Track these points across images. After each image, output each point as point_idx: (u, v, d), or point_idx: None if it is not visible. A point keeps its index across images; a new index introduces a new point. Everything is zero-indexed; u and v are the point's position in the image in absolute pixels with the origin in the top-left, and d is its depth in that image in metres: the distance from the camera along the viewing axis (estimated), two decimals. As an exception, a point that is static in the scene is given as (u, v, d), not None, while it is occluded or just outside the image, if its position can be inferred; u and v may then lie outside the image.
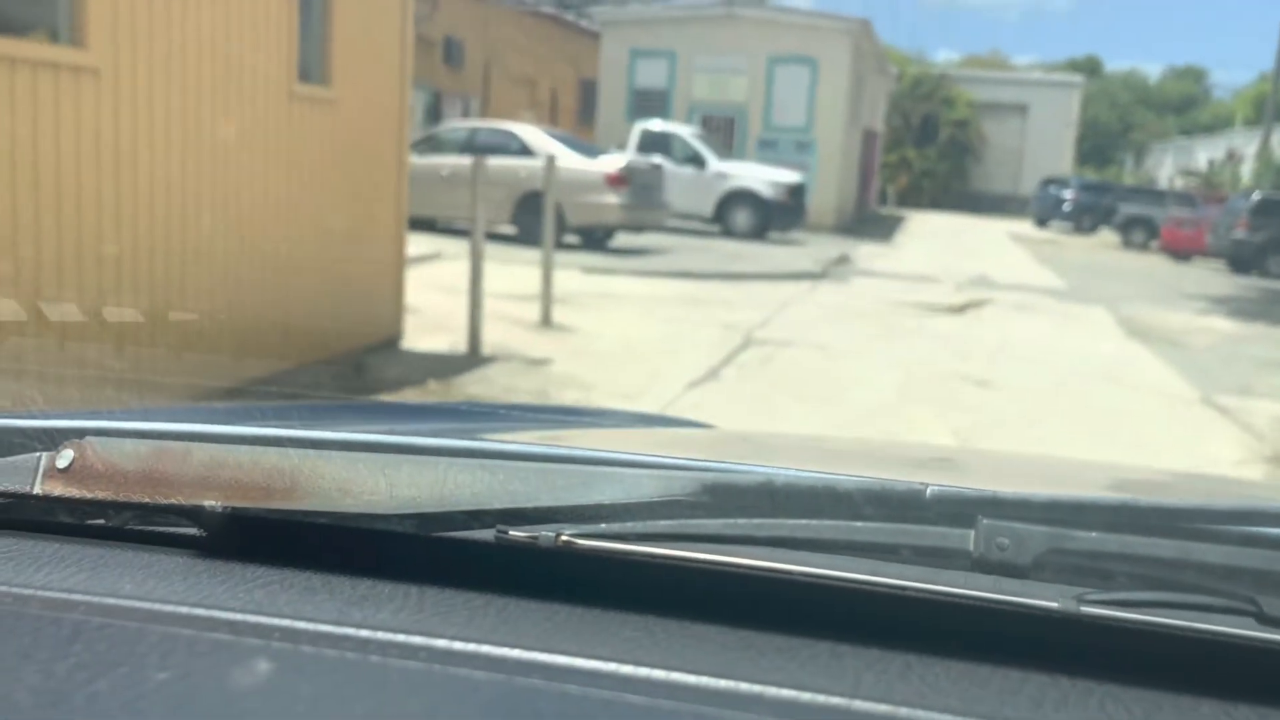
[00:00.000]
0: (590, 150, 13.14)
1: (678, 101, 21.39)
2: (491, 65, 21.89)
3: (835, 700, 0.51)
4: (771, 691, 0.52)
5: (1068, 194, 31.80)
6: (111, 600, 0.60)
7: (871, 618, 0.59)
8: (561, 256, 12.39)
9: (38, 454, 0.72)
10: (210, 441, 0.72)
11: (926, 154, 40.92)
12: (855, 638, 0.57)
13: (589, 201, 12.49)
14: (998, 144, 42.18)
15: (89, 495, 0.69)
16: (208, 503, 0.67)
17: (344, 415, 1.33)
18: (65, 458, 0.70)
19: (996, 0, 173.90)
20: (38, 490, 0.70)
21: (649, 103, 21.40)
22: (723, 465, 0.70)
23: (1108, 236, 29.77)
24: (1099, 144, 58.45)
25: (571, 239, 13.83)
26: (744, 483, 0.63)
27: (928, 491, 0.59)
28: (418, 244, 12.13)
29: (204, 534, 0.70)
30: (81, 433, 0.73)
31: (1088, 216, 31.64)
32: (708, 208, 17.75)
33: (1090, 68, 62.41)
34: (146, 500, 0.68)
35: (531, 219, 12.72)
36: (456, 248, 12.44)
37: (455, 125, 13.93)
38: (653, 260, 12.44)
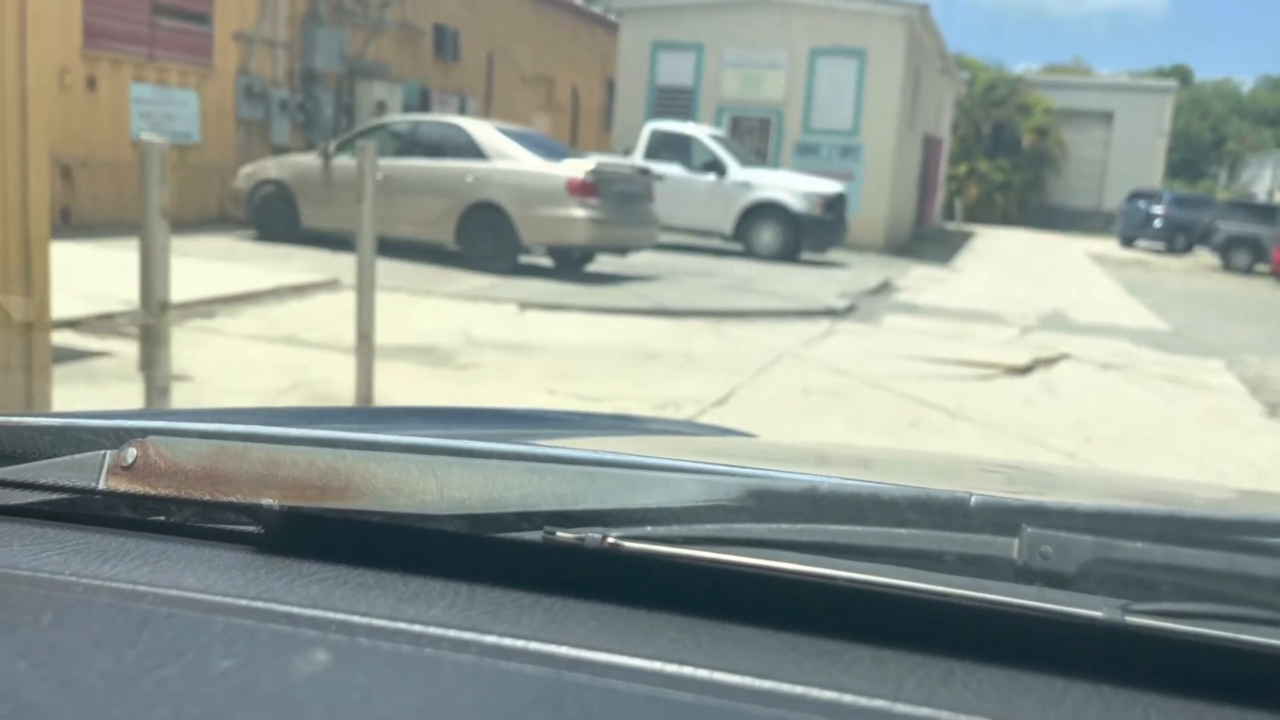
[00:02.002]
0: (556, 151, 10.49)
1: (705, 100, 18.67)
2: (496, 59, 19.38)
3: (878, 703, 0.52)
4: (815, 693, 0.52)
5: (1159, 209, 28.32)
6: (175, 592, 0.62)
7: (914, 624, 0.59)
8: (512, 285, 9.75)
9: (103, 452, 0.74)
10: (268, 442, 0.73)
11: (999, 165, 37.55)
12: (898, 643, 0.58)
13: (547, 215, 9.82)
14: (1079, 155, 38.63)
15: (152, 492, 0.71)
16: (265, 501, 0.68)
17: (397, 418, 1.33)
18: (129, 456, 0.72)
19: (1081, 11, 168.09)
20: (103, 486, 0.72)
21: (672, 102, 18.71)
22: (767, 471, 0.69)
23: (1204, 258, 26.30)
24: (1189, 156, 54.45)
25: (543, 261, 11.18)
26: (788, 489, 0.62)
27: (972, 500, 0.59)
28: (313, 265, 9.61)
29: (262, 531, 0.72)
30: (145, 432, 0.74)
31: (1181, 235, 28.13)
32: (727, 223, 14.99)
33: (1180, 77, 58.35)
34: (206, 497, 0.70)
35: (479, 235, 10.11)
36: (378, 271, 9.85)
37: (394, 119, 11.40)
38: (629, 290, 9.74)
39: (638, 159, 15.33)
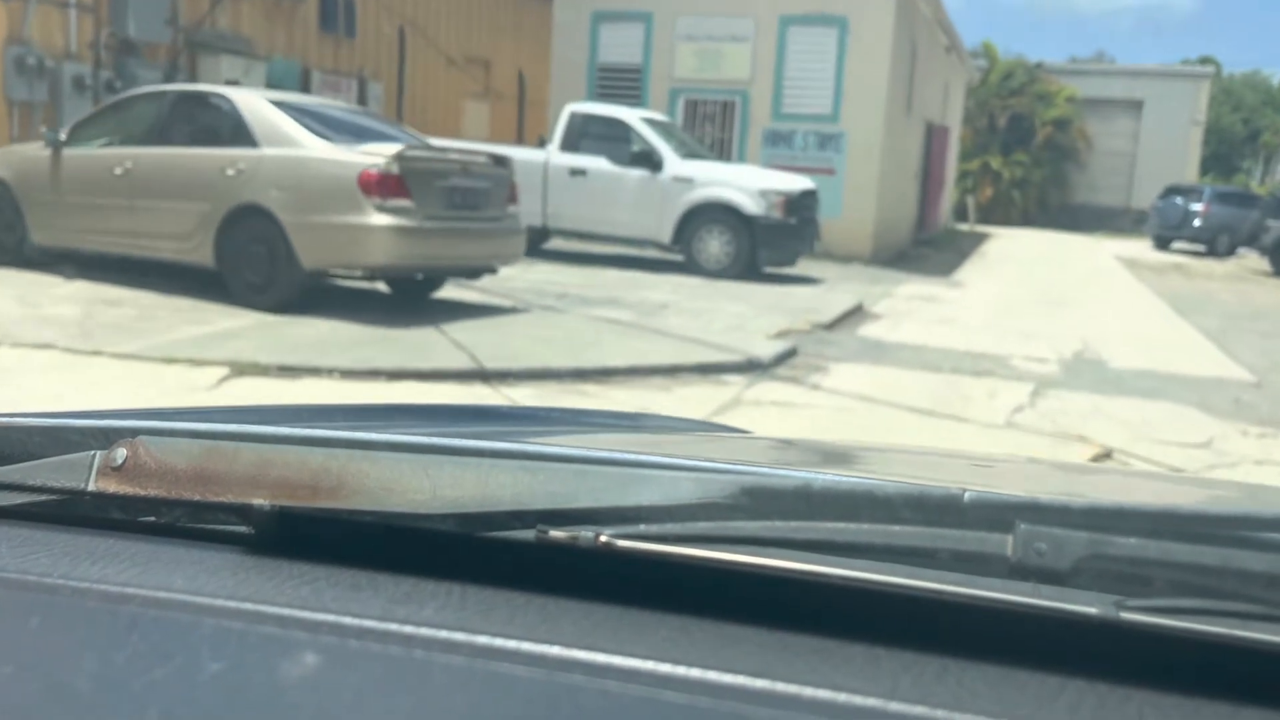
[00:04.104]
0: (367, 132, 7.37)
1: (655, 81, 15.53)
2: (411, 36, 16.30)
3: (871, 701, 0.52)
4: (808, 692, 0.52)
5: (1198, 206, 24.96)
6: (165, 594, 0.61)
7: (908, 621, 0.58)
8: (269, 329, 6.43)
9: (92, 452, 0.73)
10: (259, 442, 0.72)
11: (1017, 160, 34.19)
12: (892, 641, 0.57)
13: (330, 223, 6.68)
14: (1105, 147, 35.20)
15: (141, 493, 0.70)
16: (256, 501, 0.67)
17: (389, 416, 1.32)
18: (119, 456, 0.71)
19: (1109, 7, 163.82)
20: (92, 488, 0.71)
21: (617, 83, 15.59)
22: (761, 469, 0.68)
23: (1251, 261, 22.93)
24: (1220, 150, 50.95)
25: (379, 286, 8.07)
26: (782, 486, 0.62)
27: (965, 496, 0.59)
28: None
29: (252, 532, 0.70)
30: (134, 432, 0.73)
31: (1225, 235, 24.76)
32: (664, 229, 11.84)
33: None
34: (197, 498, 0.69)
35: (245, 253, 7.00)
36: (65, 310, 6.74)
37: (146, 90, 8.32)
38: (456, 333, 6.60)
39: (553, 150, 12.25)
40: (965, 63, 24.46)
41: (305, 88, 13.82)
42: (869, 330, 8.70)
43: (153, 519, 0.73)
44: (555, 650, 0.54)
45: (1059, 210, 34.34)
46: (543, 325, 7.21)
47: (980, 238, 24.67)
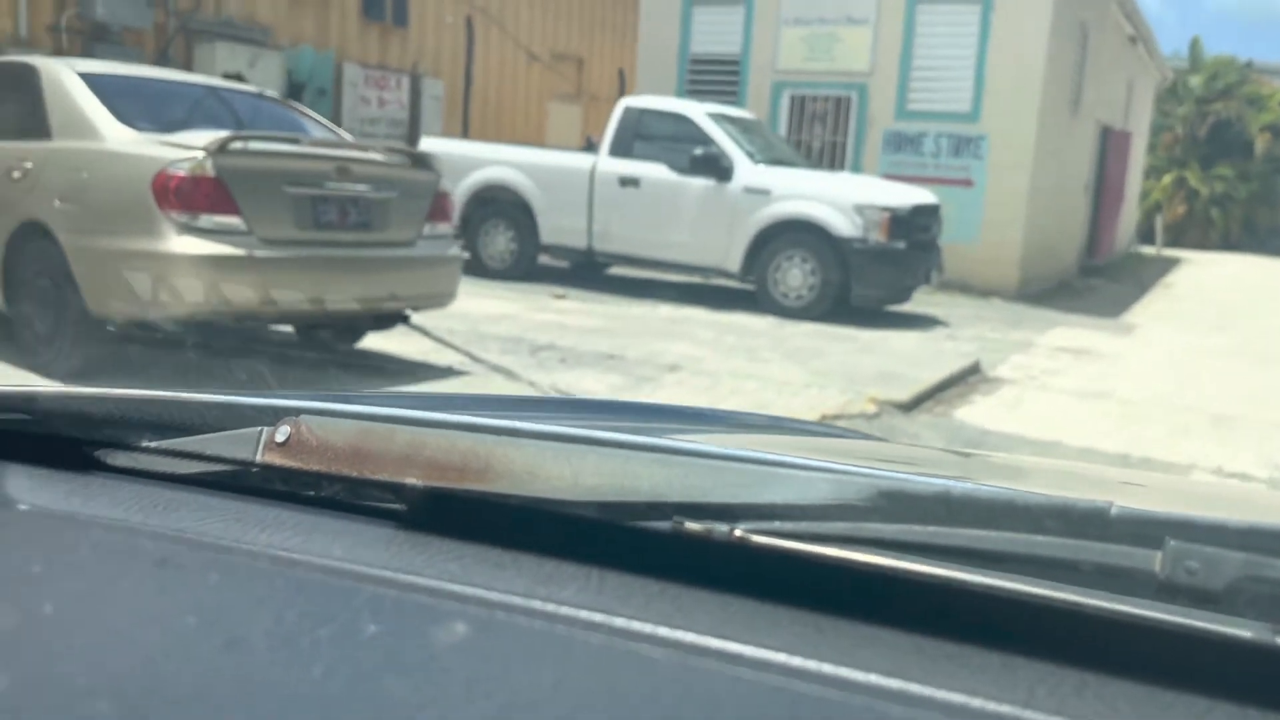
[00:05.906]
0: (228, 120, 5.18)
1: (756, 73, 12.99)
2: (481, 27, 14.28)
3: (1006, 709, 0.51)
4: (942, 694, 0.52)
5: None
6: (326, 561, 0.65)
7: (1046, 633, 0.57)
8: None
9: (259, 429, 0.77)
10: (412, 425, 0.74)
11: (1219, 173, 29.76)
12: (1030, 651, 0.56)
13: (118, 249, 4.51)
14: (1327, 159, 30.26)
15: (303, 467, 0.74)
16: (409, 480, 0.70)
17: (536, 407, 1.38)
18: (283, 433, 0.75)
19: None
20: (259, 460, 0.76)
21: (711, 76, 13.15)
22: (898, 473, 0.67)
23: None
24: None
25: (289, 331, 5.88)
26: (920, 491, 0.62)
27: (1112, 510, 0.57)
28: None
29: (404, 508, 0.73)
30: (298, 411, 0.77)
31: None
32: (731, 255, 9.32)
33: None
34: (354, 474, 0.72)
35: (34, 288, 4.92)
36: None
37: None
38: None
39: (602, 154, 9.91)
40: (1155, 57, 20.79)
41: (338, 83, 11.96)
42: (974, 411, 5.96)
43: (313, 493, 0.77)
44: (690, 636, 0.56)
45: (1268, 233, 29.66)
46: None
47: (1167, 265, 20.92)
